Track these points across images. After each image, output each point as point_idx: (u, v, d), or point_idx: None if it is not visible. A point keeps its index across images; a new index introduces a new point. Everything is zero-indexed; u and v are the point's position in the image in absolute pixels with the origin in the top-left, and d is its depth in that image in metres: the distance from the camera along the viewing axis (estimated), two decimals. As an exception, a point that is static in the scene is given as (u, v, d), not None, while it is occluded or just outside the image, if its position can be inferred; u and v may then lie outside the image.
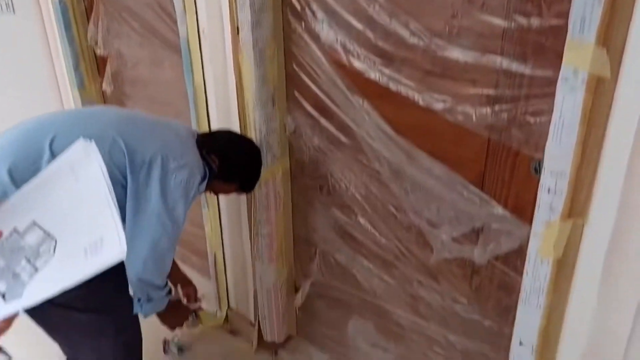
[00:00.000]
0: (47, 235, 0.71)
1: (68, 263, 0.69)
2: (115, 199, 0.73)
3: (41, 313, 1.42)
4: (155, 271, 1.43)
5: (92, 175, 0.73)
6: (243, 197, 1.90)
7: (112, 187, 0.73)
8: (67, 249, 0.71)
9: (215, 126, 1.88)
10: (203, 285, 1.99)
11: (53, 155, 1.26)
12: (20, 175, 1.22)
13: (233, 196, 1.94)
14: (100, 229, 0.70)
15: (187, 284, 1.84)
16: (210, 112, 1.87)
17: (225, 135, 1.66)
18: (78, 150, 0.76)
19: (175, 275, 1.72)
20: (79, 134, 1.30)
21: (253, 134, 1.71)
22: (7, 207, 0.75)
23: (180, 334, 2.14)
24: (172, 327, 1.74)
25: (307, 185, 1.80)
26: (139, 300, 1.49)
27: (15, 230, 0.72)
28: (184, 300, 1.82)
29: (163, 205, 1.36)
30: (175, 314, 1.70)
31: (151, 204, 1.36)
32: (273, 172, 1.78)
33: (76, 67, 2.61)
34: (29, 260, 0.70)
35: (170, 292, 1.57)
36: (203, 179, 1.50)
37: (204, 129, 1.90)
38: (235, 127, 1.78)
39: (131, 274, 1.41)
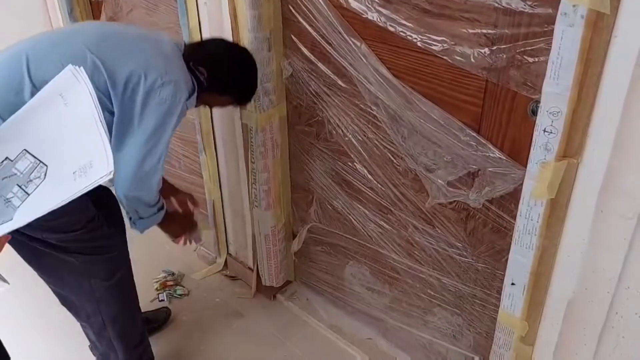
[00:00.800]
0: (38, 161, 0.72)
1: (58, 186, 0.70)
2: (104, 122, 0.73)
3: (34, 255, 1.45)
4: (142, 189, 1.42)
5: (81, 100, 0.73)
6: (240, 143, 1.89)
7: (100, 110, 0.73)
8: (57, 174, 0.72)
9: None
10: (202, 233, 2.01)
11: (33, 83, 1.24)
12: (6, 108, 1.20)
13: (230, 142, 1.94)
14: (89, 153, 0.71)
15: (177, 193, 1.79)
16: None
17: (214, 45, 1.58)
18: (67, 75, 0.76)
19: (166, 188, 1.68)
20: (56, 59, 1.28)
21: (249, 79, 1.68)
22: None
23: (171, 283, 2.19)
24: (175, 235, 1.72)
25: (304, 132, 1.80)
26: (130, 218, 1.49)
27: (7, 159, 0.73)
28: (180, 210, 1.78)
29: (147, 123, 1.34)
30: (174, 223, 1.66)
31: (135, 124, 1.34)
32: (270, 118, 1.77)
33: (70, 12, 2.55)
34: (20, 187, 0.71)
35: (162, 207, 1.53)
36: (191, 94, 1.44)
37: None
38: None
39: (119, 192, 1.40)
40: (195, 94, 1.46)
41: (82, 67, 0.76)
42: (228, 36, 1.68)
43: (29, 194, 0.71)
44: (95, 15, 2.58)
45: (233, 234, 2.20)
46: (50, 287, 1.55)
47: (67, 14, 2.55)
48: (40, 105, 0.77)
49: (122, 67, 1.32)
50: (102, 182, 0.71)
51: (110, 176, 0.69)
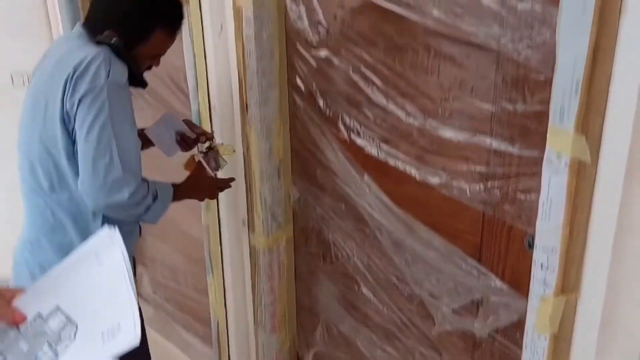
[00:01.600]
0: (69, 320, 0.75)
1: (86, 348, 0.73)
2: (134, 285, 0.78)
3: None
4: (118, 192, 1.29)
5: (114, 262, 0.78)
6: (247, 264, 1.93)
7: (132, 273, 0.78)
8: (86, 334, 0.74)
9: (222, 195, 1.94)
10: (205, 354, 1.98)
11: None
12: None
13: (237, 264, 1.98)
14: (118, 315, 0.74)
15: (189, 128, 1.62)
16: (218, 183, 1.94)
17: (101, 4, 1.41)
18: (103, 237, 0.82)
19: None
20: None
21: (259, 204, 1.77)
22: (33, 292, 0.79)
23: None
24: (202, 199, 1.63)
25: (310, 254, 1.84)
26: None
27: (39, 315, 0.76)
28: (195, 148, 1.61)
29: (99, 128, 1.25)
30: (194, 191, 1.54)
31: (91, 135, 1.26)
32: (277, 241, 1.83)
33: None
34: (50, 345, 0.73)
35: (156, 195, 1.37)
36: (124, 65, 1.33)
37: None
38: (242, 199, 1.84)
39: (94, 207, 1.32)
40: (125, 63, 1.33)
41: (117, 229, 0.82)
42: (240, 166, 1.80)
43: (58, 355, 0.72)
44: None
45: (237, 356, 2.16)
46: None
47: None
48: (76, 263, 0.82)
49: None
50: (128, 349, 0.72)
51: (137, 342, 0.72)
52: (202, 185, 1.59)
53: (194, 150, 1.69)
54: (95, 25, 1.36)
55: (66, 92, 1.27)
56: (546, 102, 1.01)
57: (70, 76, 1.26)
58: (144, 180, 1.38)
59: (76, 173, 1.33)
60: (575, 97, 0.91)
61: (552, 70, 0.97)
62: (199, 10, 1.74)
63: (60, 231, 1.43)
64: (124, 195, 1.28)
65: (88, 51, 1.28)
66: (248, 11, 1.58)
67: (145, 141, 1.66)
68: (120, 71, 1.31)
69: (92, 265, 0.80)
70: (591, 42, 0.88)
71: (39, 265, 1.45)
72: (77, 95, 1.25)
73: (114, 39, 1.32)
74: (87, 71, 1.25)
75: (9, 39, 2.40)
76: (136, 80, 1.43)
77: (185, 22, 1.71)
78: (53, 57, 1.37)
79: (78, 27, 1.40)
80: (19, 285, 1.26)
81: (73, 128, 1.29)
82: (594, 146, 0.94)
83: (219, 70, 1.78)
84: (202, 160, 1.59)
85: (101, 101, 1.25)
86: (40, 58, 1.46)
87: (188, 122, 1.70)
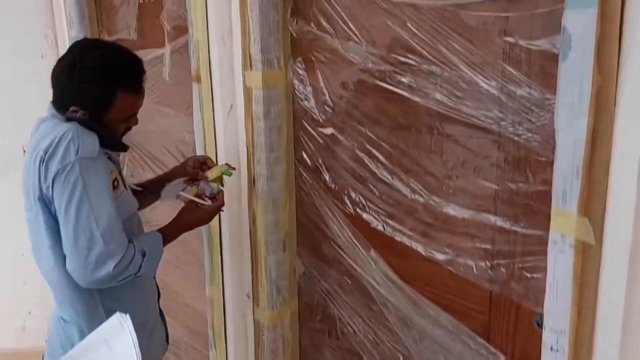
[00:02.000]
0: None
1: None
2: None
3: None
4: (103, 267, 1.29)
5: (124, 347, 0.78)
6: (251, 339, 1.90)
7: (140, 357, 0.78)
8: None
9: (227, 269, 1.94)
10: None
11: None
12: None
13: (241, 338, 1.95)
14: None
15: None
16: (223, 256, 1.95)
17: (60, 79, 1.39)
18: (114, 323, 0.82)
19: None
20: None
21: (264, 277, 1.76)
22: None
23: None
24: (199, 225, 1.60)
25: (315, 329, 1.81)
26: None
27: None
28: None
29: (76, 206, 1.27)
30: (187, 225, 1.54)
31: (69, 215, 1.28)
32: (281, 315, 1.80)
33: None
34: None
35: (144, 253, 1.37)
36: (99, 138, 1.34)
37: (216, 271, 1.96)
38: (247, 272, 1.84)
39: (84, 285, 1.32)
40: (94, 137, 1.34)
41: (128, 316, 0.83)
42: (246, 238, 1.81)
43: None
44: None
45: None
46: None
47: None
48: (87, 350, 0.83)
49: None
50: None
51: None
52: (192, 217, 1.56)
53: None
54: (61, 104, 1.38)
55: (40, 176, 1.30)
56: (548, 182, 1.04)
57: (42, 159, 1.29)
58: (129, 241, 1.37)
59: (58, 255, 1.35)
60: (577, 180, 0.94)
61: (553, 152, 1.01)
62: (210, 90, 1.82)
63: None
64: (109, 268, 1.29)
65: (57, 131, 1.31)
66: (257, 91, 1.65)
67: (145, 196, 1.69)
68: (91, 144, 1.32)
69: (102, 351, 0.80)
70: (589, 127, 0.92)
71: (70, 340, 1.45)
72: (50, 177, 1.28)
73: (79, 113, 1.34)
74: (56, 152, 1.28)
75: (20, 114, 2.51)
76: (114, 145, 1.45)
77: (195, 100, 1.79)
78: (33, 140, 1.40)
79: (50, 106, 1.42)
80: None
81: (55, 209, 1.31)
82: (597, 227, 0.95)
83: (228, 146, 1.84)
84: (185, 195, 1.57)
85: (74, 178, 1.27)
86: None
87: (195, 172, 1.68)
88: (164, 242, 1.46)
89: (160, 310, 1.65)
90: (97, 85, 1.35)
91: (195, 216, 1.55)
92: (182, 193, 1.58)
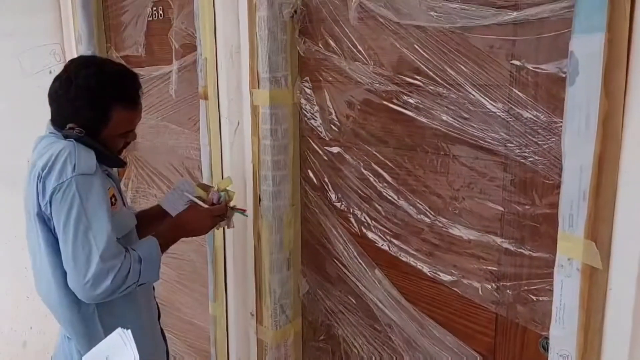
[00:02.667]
0: None
1: None
2: None
3: None
4: (104, 281, 1.27)
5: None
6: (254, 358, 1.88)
7: None
8: None
9: (231, 287, 1.93)
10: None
11: None
12: None
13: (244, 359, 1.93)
14: None
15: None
16: (227, 273, 1.94)
17: (56, 97, 1.38)
18: (115, 338, 0.82)
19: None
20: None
21: (268, 296, 1.76)
22: None
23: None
24: (204, 232, 1.58)
25: (319, 349, 1.80)
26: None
27: None
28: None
29: (74, 223, 1.27)
30: (186, 231, 1.52)
31: (67, 233, 1.27)
32: (285, 334, 1.79)
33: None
34: None
35: (140, 262, 1.35)
36: (97, 154, 1.34)
37: (220, 288, 1.96)
38: (251, 290, 1.83)
39: (87, 300, 1.31)
40: (91, 154, 1.34)
41: (129, 331, 0.83)
42: (250, 256, 1.81)
43: None
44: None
45: None
46: None
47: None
48: None
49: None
50: None
51: None
52: (187, 216, 1.54)
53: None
54: (58, 121, 1.39)
55: (38, 194, 1.30)
56: (555, 205, 1.04)
57: (40, 177, 1.30)
58: (125, 250, 1.36)
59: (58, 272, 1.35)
60: (584, 204, 0.94)
61: (559, 175, 1.01)
62: (217, 108, 1.83)
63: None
64: (107, 282, 1.28)
65: (55, 149, 1.32)
66: (265, 109, 1.66)
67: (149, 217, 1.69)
68: (88, 161, 1.32)
69: None
70: (596, 152, 0.92)
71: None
72: (48, 194, 1.29)
73: (76, 130, 1.35)
74: (54, 169, 1.28)
75: (26, 129, 2.53)
76: (112, 161, 1.46)
77: (202, 117, 1.79)
78: (32, 157, 1.41)
79: (48, 124, 1.43)
80: None
81: (54, 227, 1.32)
82: (604, 251, 0.95)
83: (234, 163, 1.84)
84: (189, 196, 1.58)
85: (71, 195, 1.27)
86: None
87: (202, 185, 1.70)
88: (160, 244, 1.44)
89: (161, 328, 1.64)
90: (92, 102, 1.35)
91: (192, 215, 1.54)
92: (187, 194, 1.59)
